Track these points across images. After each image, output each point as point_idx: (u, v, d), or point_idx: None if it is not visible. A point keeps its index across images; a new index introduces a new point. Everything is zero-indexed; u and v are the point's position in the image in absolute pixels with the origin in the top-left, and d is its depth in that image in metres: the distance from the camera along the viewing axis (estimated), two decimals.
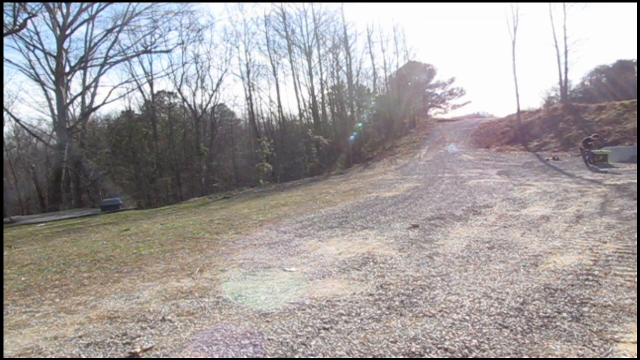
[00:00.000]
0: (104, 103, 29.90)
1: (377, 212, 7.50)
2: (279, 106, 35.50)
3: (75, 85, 42.05)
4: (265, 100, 53.02)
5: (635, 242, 4.27)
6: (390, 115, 33.61)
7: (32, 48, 24.38)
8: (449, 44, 69.09)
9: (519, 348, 2.32)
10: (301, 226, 6.66)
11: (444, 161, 18.64)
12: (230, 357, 2.45)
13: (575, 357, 2.21)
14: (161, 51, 29.68)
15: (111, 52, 26.82)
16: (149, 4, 26.97)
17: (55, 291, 4.09)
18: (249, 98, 36.12)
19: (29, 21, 21.39)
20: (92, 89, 28.27)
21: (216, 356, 2.47)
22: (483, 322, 2.66)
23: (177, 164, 31.28)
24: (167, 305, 3.37)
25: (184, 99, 34.12)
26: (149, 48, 28.37)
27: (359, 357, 2.35)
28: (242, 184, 28.09)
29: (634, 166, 11.98)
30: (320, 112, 33.39)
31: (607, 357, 2.20)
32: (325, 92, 33.75)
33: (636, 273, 3.37)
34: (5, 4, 18.38)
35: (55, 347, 2.75)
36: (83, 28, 28.75)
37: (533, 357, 2.23)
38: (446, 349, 2.36)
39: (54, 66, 24.49)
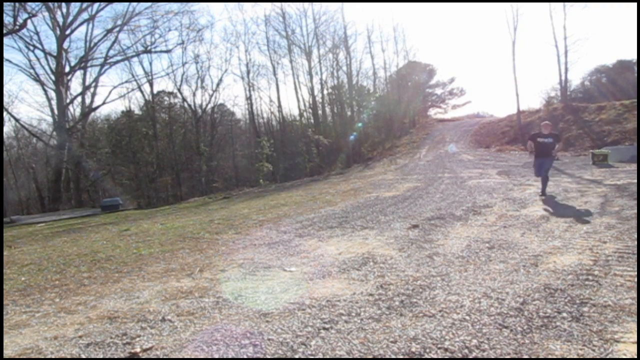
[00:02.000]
0: (104, 103, 29.91)
1: (377, 212, 7.50)
2: (279, 106, 35.54)
3: (75, 85, 42.05)
4: (265, 100, 53.00)
5: (635, 242, 4.27)
6: (390, 115, 33.62)
7: (32, 48, 24.41)
8: (449, 44, 69.23)
9: (519, 348, 2.32)
10: (301, 226, 6.66)
11: (444, 161, 18.64)
12: (230, 357, 2.45)
13: (575, 357, 2.21)
14: (161, 51, 29.70)
15: (111, 52, 26.84)
16: (149, 4, 27.04)
17: (55, 291, 4.09)
18: (249, 98, 36.16)
19: (29, 21, 21.41)
20: (92, 89, 28.31)
21: (216, 356, 2.47)
22: (483, 322, 2.66)
23: (177, 164, 31.27)
24: (167, 305, 3.37)
25: (184, 99, 34.16)
26: (149, 48, 28.37)
27: (359, 357, 2.35)
28: (242, 184, 28.09)
29: (634, 166, 11.98)
30: (320, 112, 33.40)
31: (607, 357, 2.20)
32: (325, 92, 33.80)
33: (636, 273, 3.37)
34: (5, 4, 18.38)
35: (55, 347, 2.74)
36: (83, 28, 28.75)
37: (533, 357, 2.23)
38: (446, 349, 2.36)
39: (54, 66, 24.49)
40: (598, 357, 2.20)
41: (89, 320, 3.18)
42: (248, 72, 34.42)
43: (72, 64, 26.37)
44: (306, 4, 39.48)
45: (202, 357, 2.48)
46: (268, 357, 2.42)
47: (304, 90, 45.18)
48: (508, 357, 2.25)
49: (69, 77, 25.67)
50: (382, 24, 73.08)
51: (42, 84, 25.44)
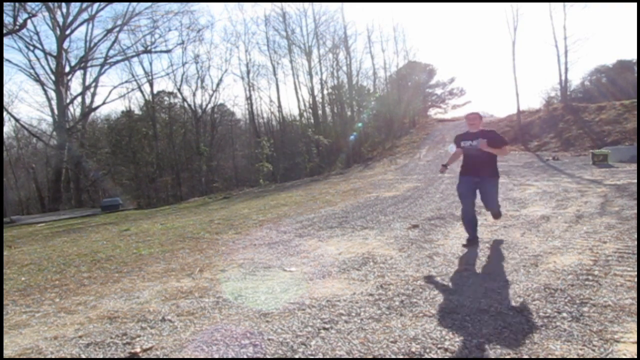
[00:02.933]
0: (104, 103, 29.99)
1: (377, 212, 7.50)
2: (279, 106, 35.54)
3: (75, 85, 42.21)
4: (265, 100, 53.09)
5: (635, 242, 4.27)
6: (390, 115, 33.57)
7: (32, 48, 24.47)
8: (449, 44, 69.01)
9: (519, 348, 2.32)
10: (301, 226, 6.66)
11: (444, 161, 18.60)
12: (230, 357, 2.45)
13: (575, 357, 2.21)
14: (161, 51, 29.76)
15: (111, 52, 26.92)
16: (149, 4, 27.16)
17: (55, 291, 4.09)
18: (249, 98, 36.16)
19: (29, 21, 21.45)
20: (92, 89, 28.37)
21: (216, 356, 2.47)
22: (483, 322, 2.66)
23: (177, 164, 31.28)
24: (167, 305, 3.37)
25: (184, 99, 34.18)
26: (149, 48, 28.42)
27: (359, 357, 2.35)
28: (242, 184, 28.10)
29: (634, 166, 11.98)
30: (320, 112, 33.37)
31: (607, 357, 2.19)
32: (325, 92, 33.75)
33: (636, 273, 3.37)
34: (5, 4, 18.39)
35: (55, 347, 2.74)
36: (83, 28, 28.84)
37: (533, 357, 2.23)
38: (446, 349, 2.36)
39: (54, 66, 24.53)
40: (598, 357, 2.20)
41: (89, 320, 3.18)
42: (248, 72, 34.46)
43: (72, 64, 26.44)
44: (306, 4, 39.55)
45: (202, 357, 2.48)
46: (268, 357, 2.42)
47: (304, 90, 45.22)
48: (508, 357, 2.25)
49: (69, 77, 25.72)
50: (382, 24, 73.01)
51: (42, 84, 25.51)
